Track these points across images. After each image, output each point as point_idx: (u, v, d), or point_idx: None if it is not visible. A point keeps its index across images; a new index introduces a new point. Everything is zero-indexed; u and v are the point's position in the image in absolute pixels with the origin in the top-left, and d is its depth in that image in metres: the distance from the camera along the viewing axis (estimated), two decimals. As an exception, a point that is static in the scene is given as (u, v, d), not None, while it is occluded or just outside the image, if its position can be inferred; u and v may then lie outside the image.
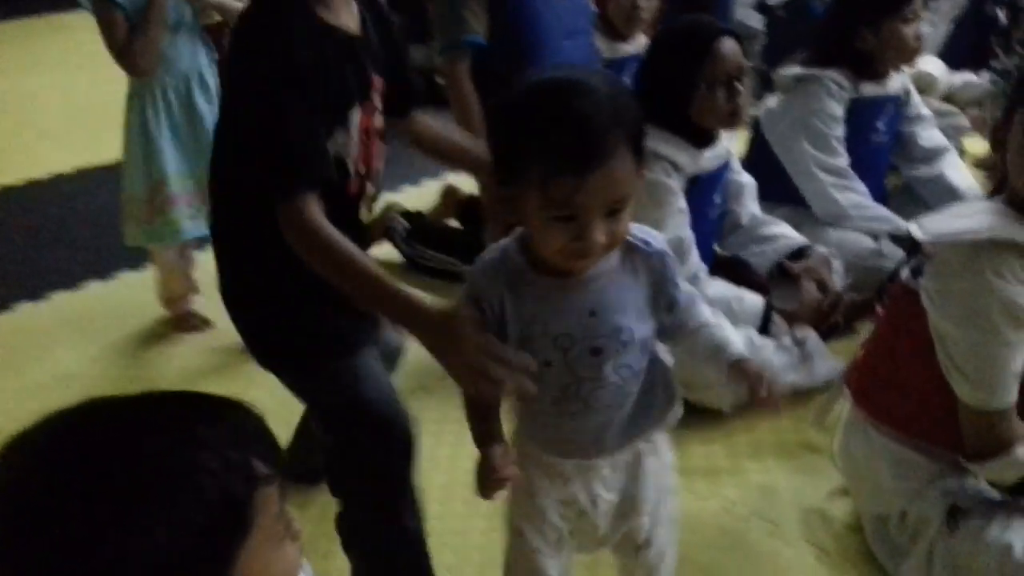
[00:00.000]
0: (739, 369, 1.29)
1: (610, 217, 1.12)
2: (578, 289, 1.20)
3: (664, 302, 1.27)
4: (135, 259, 3.06)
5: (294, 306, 1.47)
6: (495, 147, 1.19)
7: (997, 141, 1.56)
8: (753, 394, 1.28)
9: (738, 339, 1.42)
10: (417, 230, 3.05)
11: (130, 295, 2.99)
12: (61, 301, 3.03)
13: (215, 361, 2.60)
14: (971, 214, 1.58)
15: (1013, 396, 1.53)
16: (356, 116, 1.42)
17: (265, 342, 1.52)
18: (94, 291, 3.09)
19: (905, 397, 1.66)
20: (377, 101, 1.49)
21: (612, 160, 1.09)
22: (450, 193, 3.25)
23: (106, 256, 3.24)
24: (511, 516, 1.36)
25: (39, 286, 3.09)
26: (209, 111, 2.52)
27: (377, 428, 1.46)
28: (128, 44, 2.34)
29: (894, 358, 1.69)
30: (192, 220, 2.56)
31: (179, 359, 2.66)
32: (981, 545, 1.55)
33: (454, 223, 3.20)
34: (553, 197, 1.10)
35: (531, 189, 1.11)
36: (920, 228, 1.60)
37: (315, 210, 1.31)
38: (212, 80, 2.55)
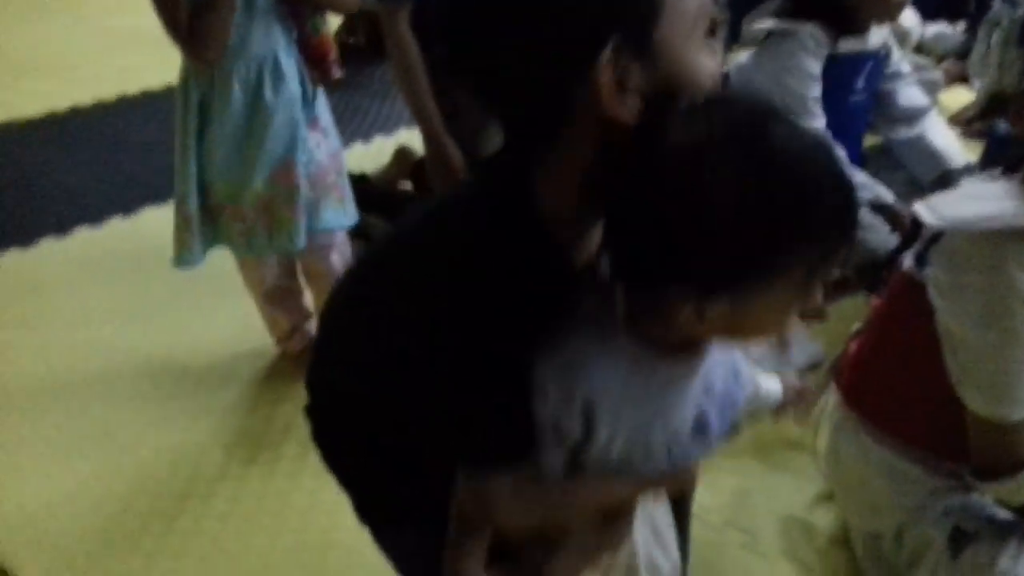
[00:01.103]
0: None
1: None
2: (699, 364, 0.92)
3: None
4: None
5: None
6: (687, 248, 0.77)
7: (1018, 114, 1.36)
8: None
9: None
10: (361, 194, 2.60)
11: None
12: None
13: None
14: (988, 197, 1.36)
15: (1030, 407, 1.34)
16: None
17: None
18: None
19: (905, 402, 1.47)
20: None
21: None
22: (404, 154, 2.95)
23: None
24: None
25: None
26: (278, 106, 2.02)
27: None
28: (194, 27, 1.85)
29: (893, 356, 1.49)
30: (258, 237, 2.11)
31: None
32: (991, 579, 1.38)
33: (407, 186, 2.90)
34: (816, 282, 0.81)
35: (787, 283, 0.79)
36: (928, 211, 1.40)
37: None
38: (288, 65, 2.02)
